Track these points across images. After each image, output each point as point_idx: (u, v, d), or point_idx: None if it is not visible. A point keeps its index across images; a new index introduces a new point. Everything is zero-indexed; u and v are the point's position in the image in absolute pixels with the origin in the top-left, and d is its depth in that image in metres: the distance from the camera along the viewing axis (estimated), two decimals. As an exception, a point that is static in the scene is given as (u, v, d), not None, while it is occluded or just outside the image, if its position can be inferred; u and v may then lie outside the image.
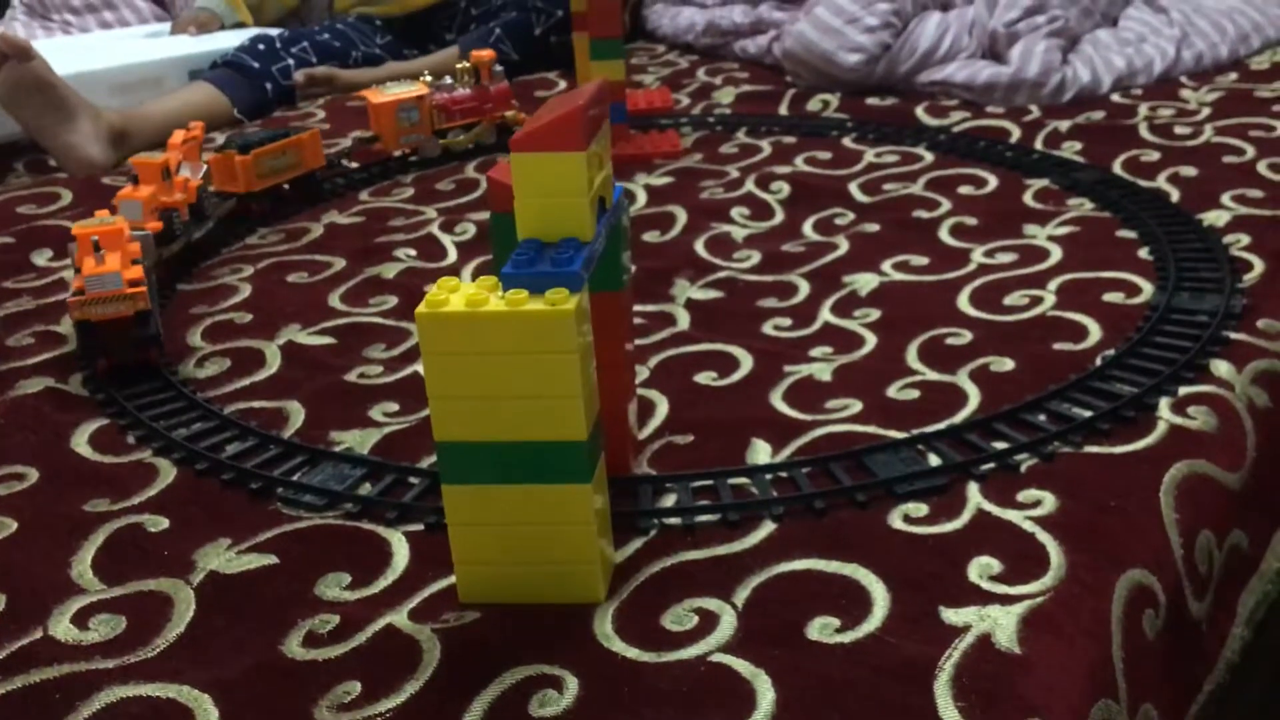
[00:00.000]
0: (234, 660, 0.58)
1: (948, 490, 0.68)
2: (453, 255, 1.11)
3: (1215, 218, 1.04)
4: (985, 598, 0.59)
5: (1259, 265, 0.94)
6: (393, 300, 1.01)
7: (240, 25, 1.89)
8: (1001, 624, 0.57)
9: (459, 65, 1.39)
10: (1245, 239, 0.99)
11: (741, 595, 0.60)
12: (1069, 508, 0.66)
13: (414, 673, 0.56)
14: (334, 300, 1.02)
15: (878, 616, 0.58)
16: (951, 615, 0.58)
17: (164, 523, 0.71)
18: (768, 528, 0.66)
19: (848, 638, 0.57)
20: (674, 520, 0.67)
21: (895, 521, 0.66)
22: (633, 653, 0.57)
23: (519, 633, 0.59)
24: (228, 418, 0.82)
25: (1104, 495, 0.67)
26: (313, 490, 0.72)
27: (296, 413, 0.83)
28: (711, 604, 0.60)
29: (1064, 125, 1.33)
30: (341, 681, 0.56)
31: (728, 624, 0.58)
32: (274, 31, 1.74)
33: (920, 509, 0.67)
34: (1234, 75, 1.47)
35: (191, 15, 1.88)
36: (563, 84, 1.68)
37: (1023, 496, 0.67)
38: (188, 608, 0.63)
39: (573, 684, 0.55)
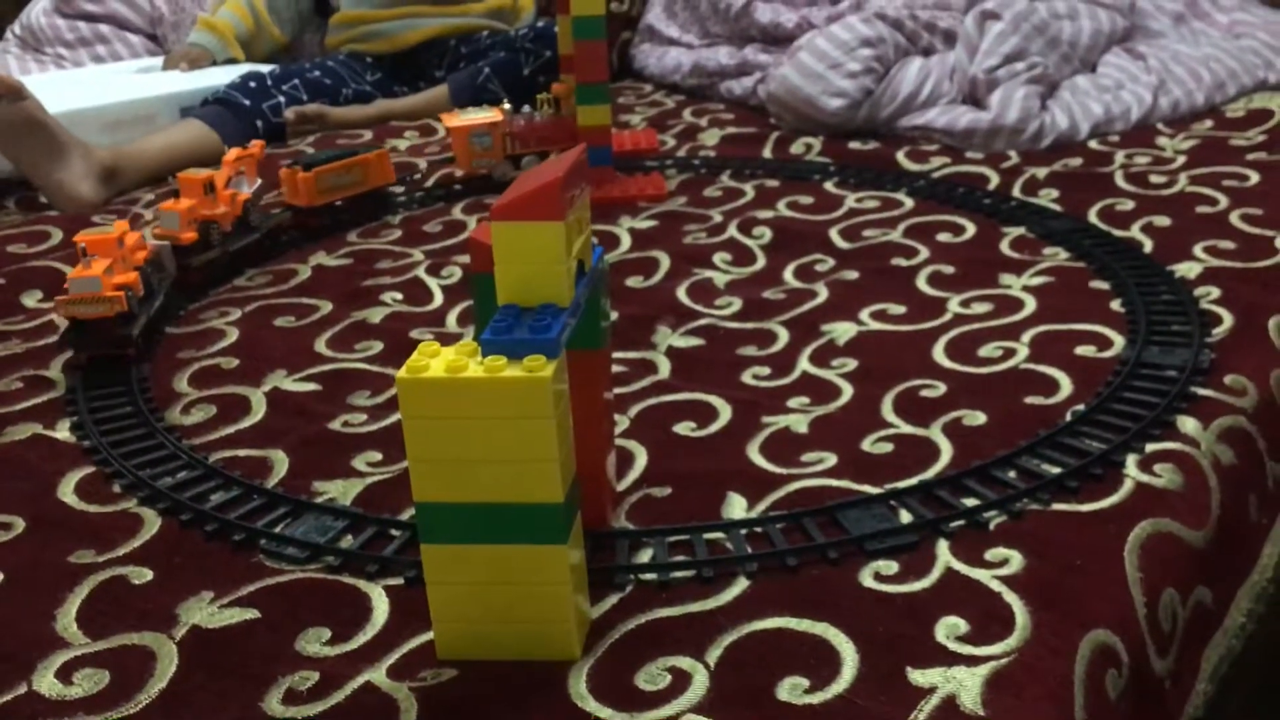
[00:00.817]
0: (214, 718, 0.59)
1: (918, 548, 0.70)
2: (439, 299, 1.12)
3: (1187, 269, 1.06)
4: (951, 659, 0.60)
5: (1228, 319, 0.96)
6: (378, 346, 1.02)
7: (232, 61, 1.91)
8: (966, 685, 0.58)
9: (539, 95, 1.44)
10: (1215, 292, 1.01)
11: (714, 654, 0.62)
12: (1035, 567, 0.67)
13: (391, 732, 0.57)
14: (320, 345, 1.03)
15: (846, 677, 0.59)
16: (918, 676, 0.59)
17: (148, 574, 0.72)
18: (741, 584, 0.67)
19: (817, 699, 0.58)
20: (649, 576, 0.69)
21: (866, 579, 0.67)
22: (606, 713, 0.58)
23: (496, 691, 0.60)
24: (212, 467, 0.83)
25: (1070, 554, 0.68)
26: (295, 543, 0.73)
27: (281, 462, 0.84)
28: (684, 663, 0.61)
29: (1041, 172, 1.35)
30: (320, 740, 0.57)
31: (700, 684, 0.60)
32: (265, 68, 1.76)
33: (891, 567, 0.68)
34: (1210, 123, 1.49)
35: (183, 51, 1.90)
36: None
37: (991, 555, 0.68)
38: (170, 663, 0.64)
39: (546, 745, 0.56)
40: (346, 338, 1.04)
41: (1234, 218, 1.17)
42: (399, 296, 1.13)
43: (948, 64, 1.54)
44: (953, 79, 1.53)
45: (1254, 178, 1.28)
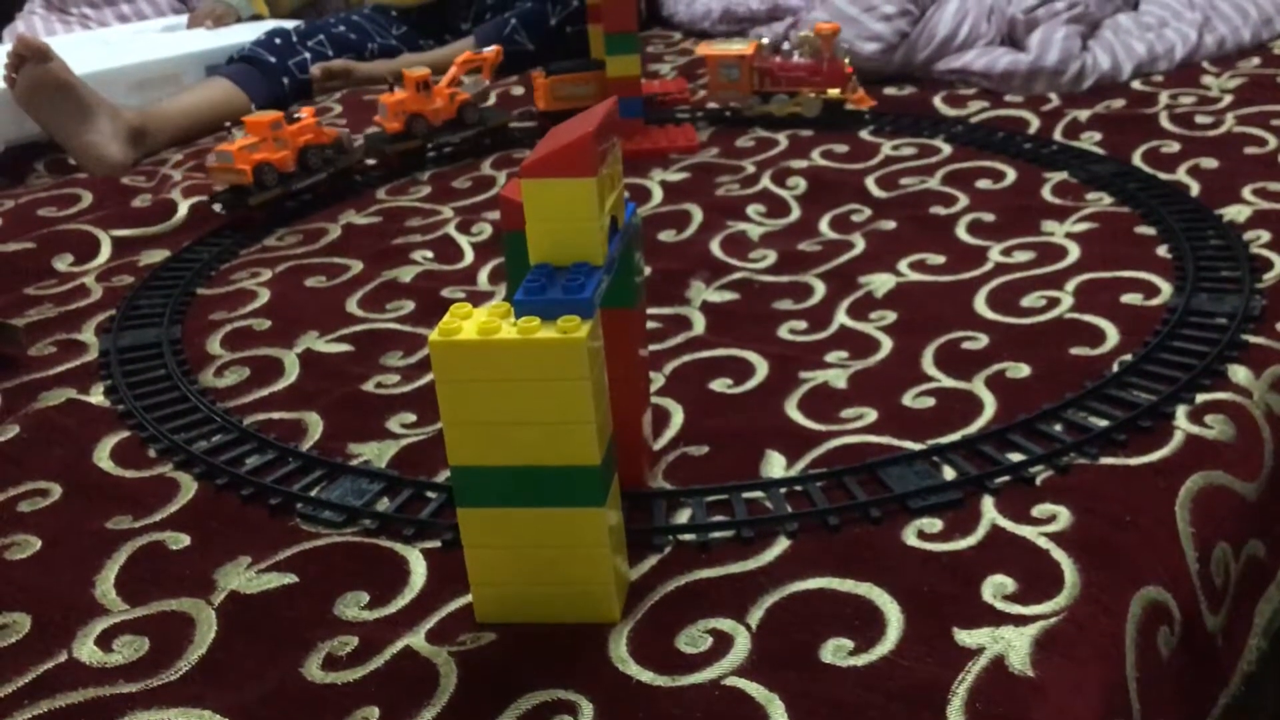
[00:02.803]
0: (254, 684, 0.59)
1: (962, 505, 0.68)
2: (469, 257, 1.11)
3: (1235, 213, 1.03)
4: (999, 618, 0.59)
5: (1279, 264, 0.93)
6: (410, 305, 1.01)
7: (257, 18, 1.89)
8: (1015, 646, 0.57)
9: (802, 34, 1.40)
10: (1266, 235, 0.98)
11: (755, 615, 0.61)
12: (1084, 523, 0.65)
13: (431, 698, 0.57)
14: (351, 305, 1.02)
15: (891, 638, 0.58)
16: (965, 636, 0.58)
17: (185, 540, 0.72)
18: (782, 544, 0.66)
19: (861, 660, 0.57)
20: (688, 536, 0.68)
21: (909, 538, 0.66)
22: (647, 676, 0.57)
23: (535, 655, 0.59)
24: (247, 430, 0.83)
25: (1119, 509, 0.66)
26: (331, 506, 0.73)
27: (315, 424, 0.84)
28: (725, 624, 0.60)
29: (1083, 115, 1.32)
30: (361, 706, 0.57)
31: (741, 646, 0.59)
32: (290, 24, 1.75)
33: (934, 524, 0.67)
34: (1256, 60, 1.45)
35: (208, 9, 1.89)
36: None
37: (1038, 511, 0.67)
38: (209, 629, 0.63)
39: (588, 709, 0.55)
40: (378, 297, 1.04)
41: (1284, 158, 1.14)
42: (430, 255, 1.12)
43: (985, 4, 1.50)
44: (990, 20, 1.49)
45: (1304, 116, 1.24)
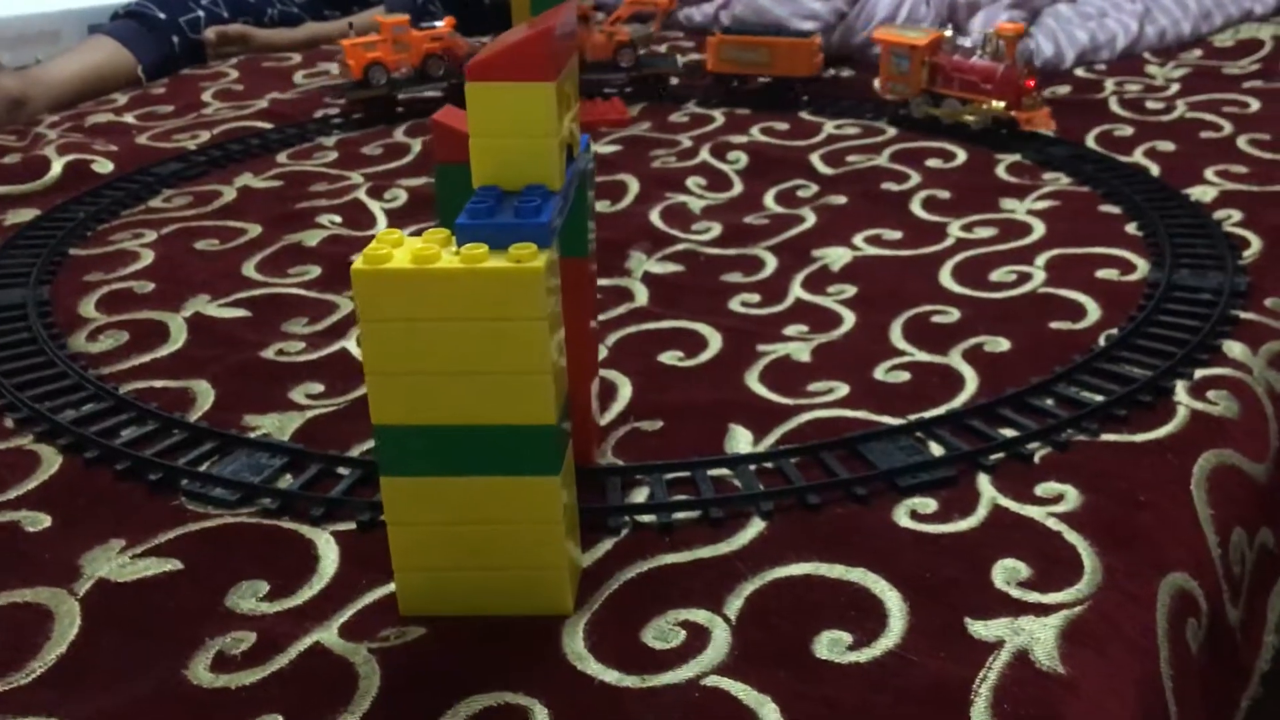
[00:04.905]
0: (126, 687, 0.48)
1: (956, 483, 0.60)
2: (382, 223, 1.00)
3: (1201, 193, 0.98)
4: (1016, 608, 0.51)
5: (1256, 242, 0.88)
6: (315, 270, 0.90)
7: (146, -20, 1.75)
8: (1039, 638, 0.49)
9: (987, 32, 1.17)
10: (1237, 215, 0.93)
11: (734, 605, 0.52)
12: (1095, 503, 0.58)
13: (348, 704, 0.47)
14: (248, 269, 0.91)
15: (895, 630, 0.50)
16: (980, 628, 0.50)
17: (45, 521, 0.60)
18: (757, 526, 0.58)
19: (863, 656, 0.48)
20: (648, 518, 0.59)
21: (901, 519, 0.58)
22: (611, 676, 0.48)
23: (474, 652, 0.49)
24: (123, 398, 0.71)
25: (1132, 488, 0.59)
26: (223, 483, 0.62)
27: (205, 393, 0.72)
28: (700, 616, 0.51)
29: (1030, 99, 1.27)
30: (261, 713, 0.46)
31: (720, 640, 0.50)
32: (183, -16, 1.61)
33: (928, 504, 0.59)
34: (1198, 52, 1.42)
35: (92, -33, 1.74)
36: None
37: (1041, 490, 0.59)
38: (71, 623, 0.52)
39: (542, 715, 0.46)
40: (279, 261, 0.92)
41: (1242, 143, 1.10)
42: (337, 219, 1.01)
43: (925, -13, 1.44)
44: (930, 3, 1.43)
45: (1254, 104, 1.20)
